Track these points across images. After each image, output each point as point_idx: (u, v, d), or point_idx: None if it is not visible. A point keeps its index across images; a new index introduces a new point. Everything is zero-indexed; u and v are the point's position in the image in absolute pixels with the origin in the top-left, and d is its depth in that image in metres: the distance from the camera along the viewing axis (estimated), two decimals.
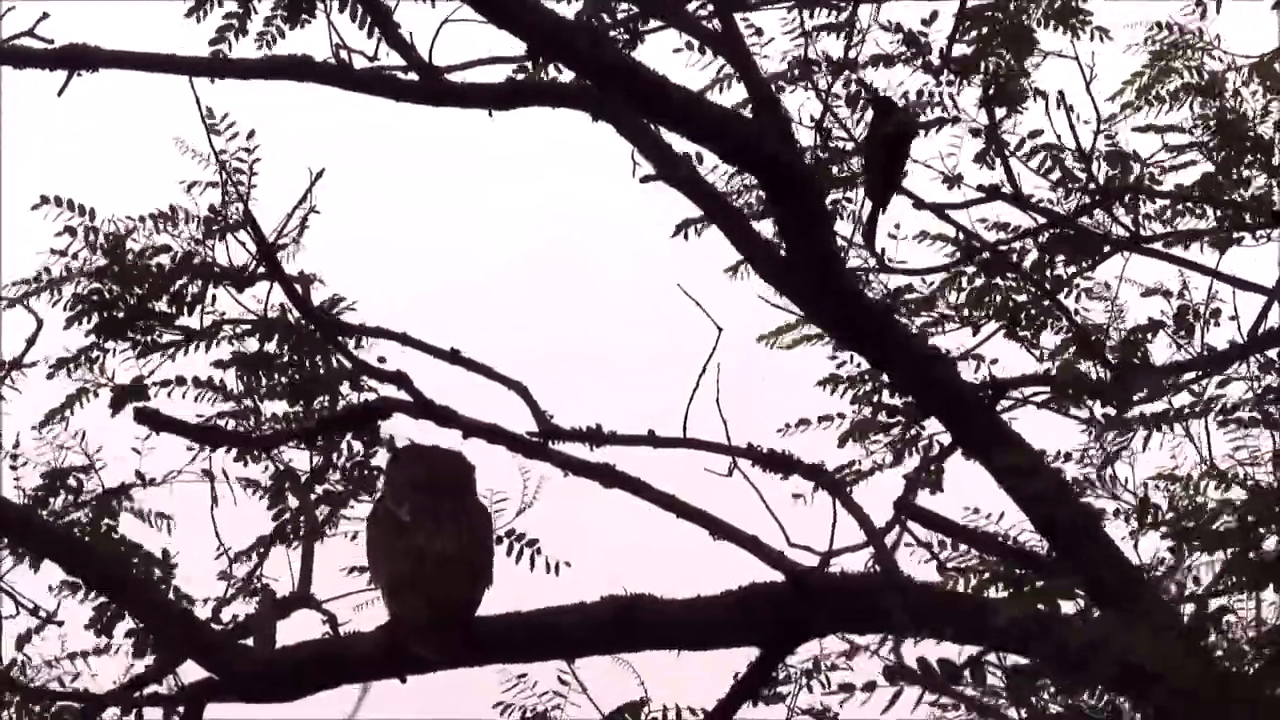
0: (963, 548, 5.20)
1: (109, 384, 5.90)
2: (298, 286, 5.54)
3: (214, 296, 5.83)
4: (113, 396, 5.87)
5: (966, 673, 3.67)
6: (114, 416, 5.77)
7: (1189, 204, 6.16)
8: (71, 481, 5.98)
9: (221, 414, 5.87)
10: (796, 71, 6.04)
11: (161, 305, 5.80)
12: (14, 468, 5.99)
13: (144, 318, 5.79)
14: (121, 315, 5.77)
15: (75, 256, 5.83)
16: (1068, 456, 5.85)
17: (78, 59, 5.36)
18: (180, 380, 5.87)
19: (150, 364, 5.87)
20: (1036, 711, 4.06)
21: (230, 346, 5.89)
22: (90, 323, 5.78)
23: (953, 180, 6.19)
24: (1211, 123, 6.26)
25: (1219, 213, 6.17)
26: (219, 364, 5.86)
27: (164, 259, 5.81)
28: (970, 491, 5.69)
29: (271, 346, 5.86)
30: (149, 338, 5.81)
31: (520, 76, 5.95)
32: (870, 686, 4.00)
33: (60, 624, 5.93)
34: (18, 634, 5.93)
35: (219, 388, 5.87)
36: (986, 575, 5.10)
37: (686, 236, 6.20)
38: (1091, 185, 6.12)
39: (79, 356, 5.89)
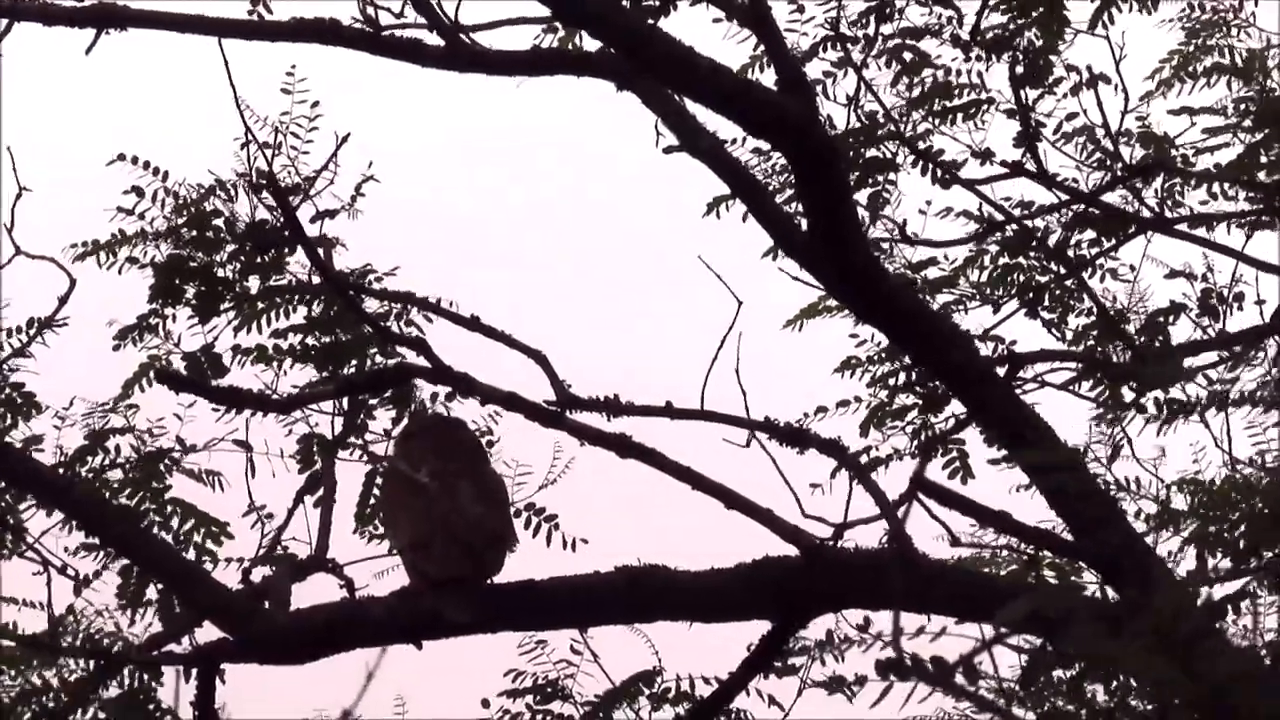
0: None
1: (181, 352, 5.93)
2: (319, 250, 5.55)
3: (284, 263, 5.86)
4: (187, 366, 5.88)
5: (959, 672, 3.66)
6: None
7: (1219, 186, 6.13)
8: (109, 445, 5.98)
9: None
10: (830, 44, 6.06)
11: (226, 272, 5.83)
12: (57, 428, 6.00)
13: (209, 283, 5.82)
14: (196, 281, 5.80)
15: (143, 217, 5.87)
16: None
17: (106, 17, 5.35)
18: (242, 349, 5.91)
19: (214, 332, 5.91)
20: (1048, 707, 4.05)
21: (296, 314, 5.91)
22: (189, 292, 5.81)
23: (983, 155, 6.18)
24: (1245, 105, 6.21)
25: (1249, 195, 6.13)
26: (277, 333, 5.89)
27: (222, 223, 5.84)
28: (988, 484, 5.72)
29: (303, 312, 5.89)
30: (222, 304, 5.84)
31: (550, 39, 5.99)
32: (861, 681, 3.99)
33: (88, 583, 5.94)
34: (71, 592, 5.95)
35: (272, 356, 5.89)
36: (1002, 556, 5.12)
37: (719, 215, 6.21)
38: (1118, 165, 6.09)
39: (140, 325, 5.91)
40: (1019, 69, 6.06)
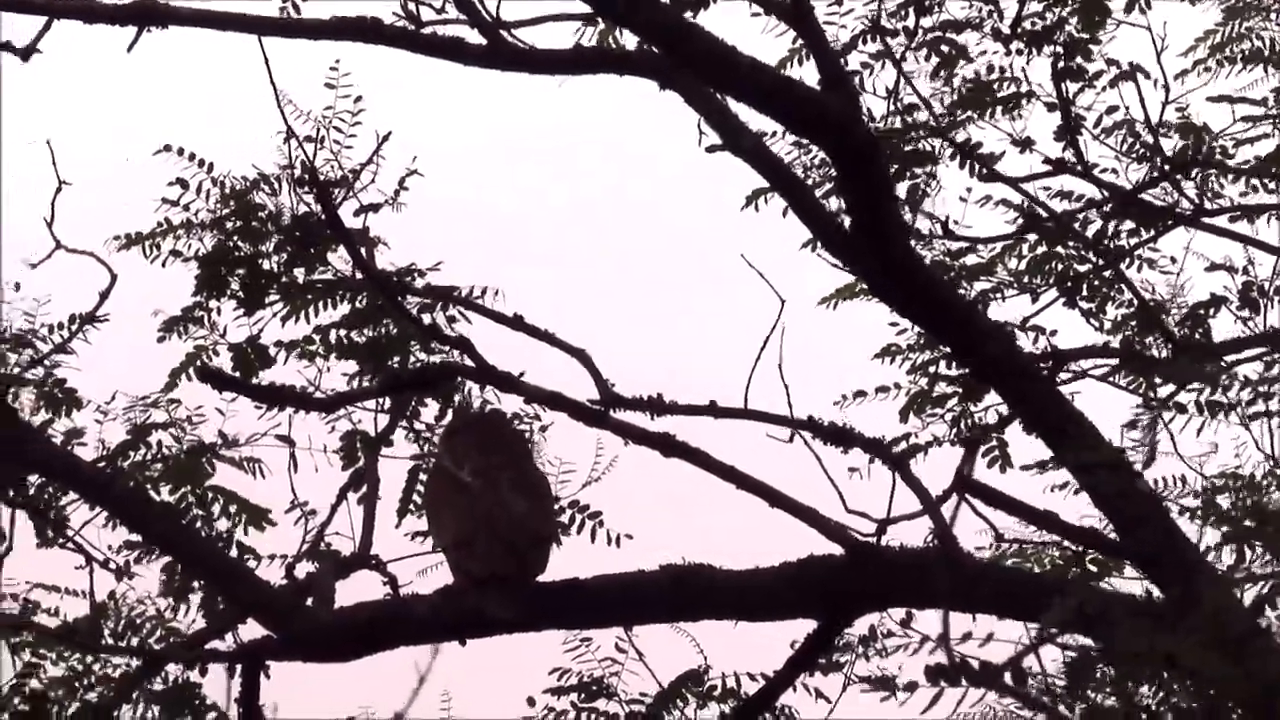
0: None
1: (227, 344, 5.94)
2: (361, 248, 5.55)
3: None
4: (233, 357, 5.90)
5: (1007, 675, 3.65)
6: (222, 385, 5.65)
7: (1259, 178, 6.10)
8: (151, 439, 6.00)
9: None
10: (870, 37, 6.05)
11: (271, 264, 5.85)
12: (99, 422, 6.02)
13: (255, 274, 5.84)
14: (242, 272, 5.82)
15: (188, 208, 5.89)
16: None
17: (146, 15, 5.36)
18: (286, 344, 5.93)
19: (259, 324, 5.93)
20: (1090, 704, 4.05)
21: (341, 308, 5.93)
22: (234, 284, 5.83)
23: (1023, 144, 6.16)
24: None
25: None
26: (318, 329, 5.90)
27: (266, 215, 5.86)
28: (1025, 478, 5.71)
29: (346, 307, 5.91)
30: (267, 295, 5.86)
31: (589, 32, 5.99)
32: (911, 687, 3.98)
33: (130, 572, 5.96)
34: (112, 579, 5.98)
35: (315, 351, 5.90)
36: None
37: (757, 208, 6.21)
38: (1158, 158, 6.06)
39: (185, 318, 5.93)
40: (1060, 64, 6.03)
